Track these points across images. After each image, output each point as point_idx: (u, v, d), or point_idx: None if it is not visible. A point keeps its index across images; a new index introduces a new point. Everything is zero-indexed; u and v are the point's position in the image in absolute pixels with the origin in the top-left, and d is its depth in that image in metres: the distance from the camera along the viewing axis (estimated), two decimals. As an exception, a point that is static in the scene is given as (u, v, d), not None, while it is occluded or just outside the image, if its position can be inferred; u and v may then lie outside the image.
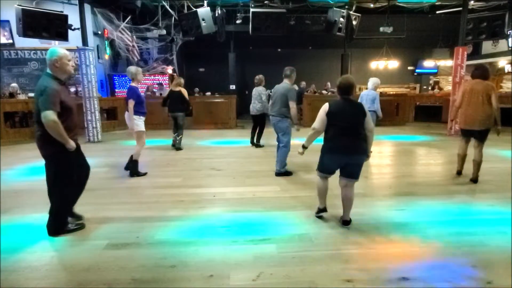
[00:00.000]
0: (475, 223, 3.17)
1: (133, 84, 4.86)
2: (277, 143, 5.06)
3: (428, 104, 11.38)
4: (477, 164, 4.39)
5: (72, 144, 2.81)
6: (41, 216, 3.39)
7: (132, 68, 4.90)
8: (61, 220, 3.01)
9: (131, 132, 4.88)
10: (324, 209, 3.24)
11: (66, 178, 2.93)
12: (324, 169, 3.11)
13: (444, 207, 3.61)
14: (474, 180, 4.43)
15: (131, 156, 4.93)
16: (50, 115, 2.64)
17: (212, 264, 2.45)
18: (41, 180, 4.77)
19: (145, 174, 4.98)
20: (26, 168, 5.44)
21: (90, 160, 6.37)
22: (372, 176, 4.98)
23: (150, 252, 2.63)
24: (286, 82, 4.79)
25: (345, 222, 3.10)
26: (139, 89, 5.02)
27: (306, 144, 3.19)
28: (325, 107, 3.00)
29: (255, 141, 7.42)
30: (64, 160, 2.86)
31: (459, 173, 4.74)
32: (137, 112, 4.75)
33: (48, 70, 2.82)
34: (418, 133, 9.22)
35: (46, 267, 2.43)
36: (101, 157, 6.40)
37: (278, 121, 4.79)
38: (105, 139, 8.40)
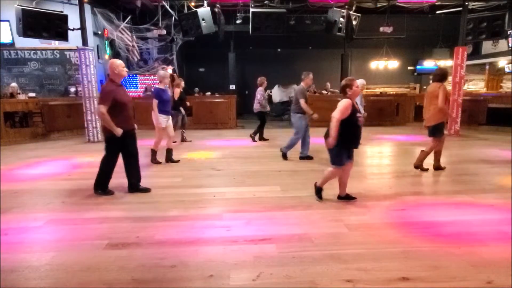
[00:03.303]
0: (475, 223, 3.17)
1: (158, 86, 5.63)
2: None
3: (428, 104, 11.36)
4: (424, 154, 4.96)
5: (118, 131, 3.72)
6: (41, 216, 3.41)
7: (161, 72, 5.72)
8: (99, 181, 4.05)
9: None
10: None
11: (111, 155, 3.98)
12: (343, 161, 3.60)
13: (444, 207, 3.61)
14: (416, 166, 5.00)
15: (168, 149, 5.79)
16: (100, 108, 3.66)
17: (212, 264, 2.45)
18: (41, 180, 4.81)
19: (160, 163, 5.70)
20: (26, 168, 5.44)
21: (90, 160, 6.38)
22: (372, 176, 4.98)
23: (150, 252, 2.63)
24: (301, 84, 5.75)
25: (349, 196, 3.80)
26: (164, 91, 5.65)
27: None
28: (349, 102, 3.45)
29: (253, 134, 7.96)
30: (112, 141, 3.87)
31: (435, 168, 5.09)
32: (159, 110, 5.44)
33: (109, 75, 3.86)
34: (418, 133, 9.21)
35: (46, 267, 2.43)
36: (101, 156, 6.39)
37: (292, 116, 5.82)
38: (105, 139, 8.39)
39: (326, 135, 3.54)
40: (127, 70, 3.98)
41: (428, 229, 3.02)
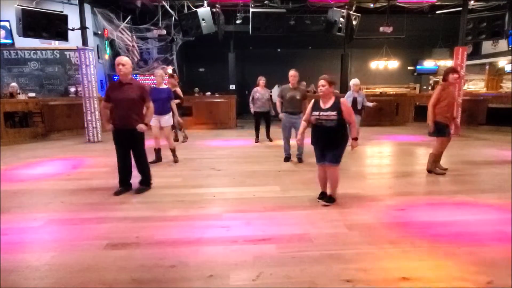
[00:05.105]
0: (475, 223, 3.17)
1: (156, 86, 5.66)
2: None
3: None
4: (431, 156, 4.94)
5: (105, 127, 4.04)
6: (41, 216, 3.40)
7: (156, 71, 5.81)
8: (119, 177, 4.18)
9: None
10: None
11: (116, 148, 4.11)
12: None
13: (444, 207, 3.61)
14: (428, 170, 4.96)
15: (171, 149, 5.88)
16: (101, 103, 3.75)
17: (212, 264, 2.45)
18: (41, 180, 4.80)
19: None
20: (26, 168, 5.44)
21: (90, 160, 6.37)
22: (372, 176, 4.98)
23: (150, 252, 2.63)
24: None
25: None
26: (156, 90, 5.56)
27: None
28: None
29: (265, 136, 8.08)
30: (113, 135, 4.03)
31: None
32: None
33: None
34: (418, 133, 9.21)
35: (46, 267, 2.43)
36: (101, 157, 6.39)
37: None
38: (105, 139, 8.38)
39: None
40: (123, 64, 3.82)
41: (428, 229, 3.01)
